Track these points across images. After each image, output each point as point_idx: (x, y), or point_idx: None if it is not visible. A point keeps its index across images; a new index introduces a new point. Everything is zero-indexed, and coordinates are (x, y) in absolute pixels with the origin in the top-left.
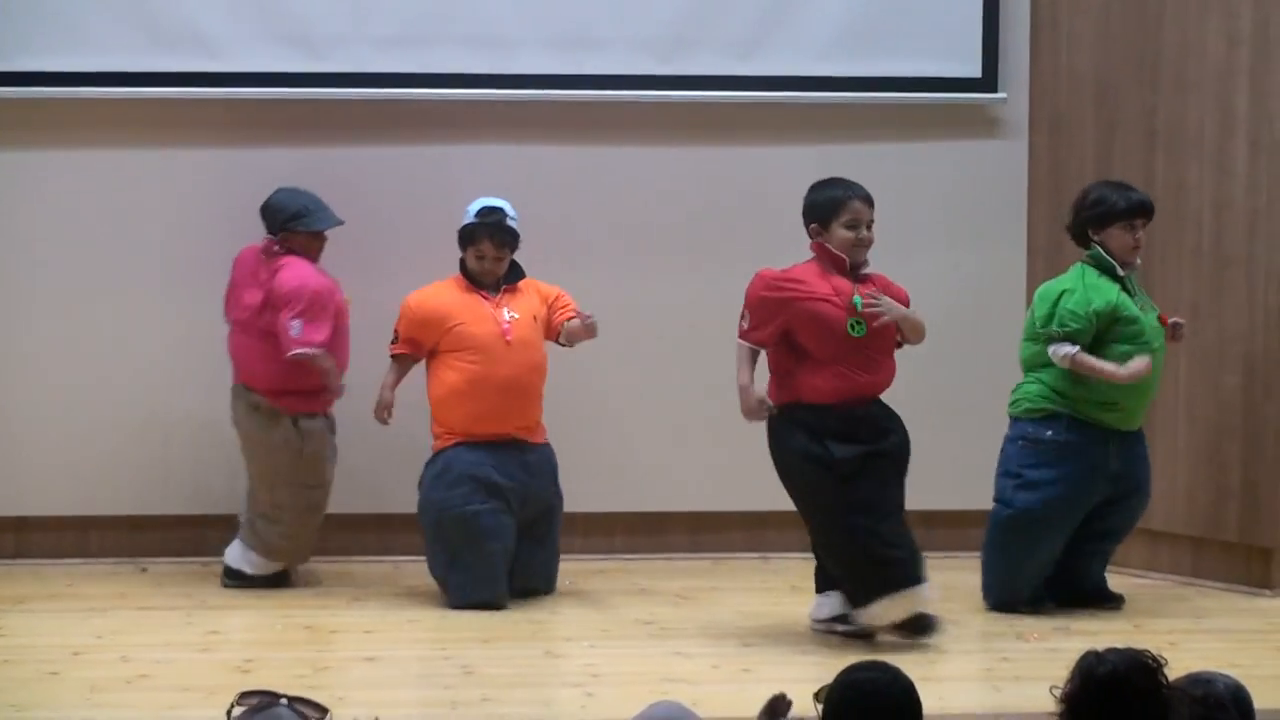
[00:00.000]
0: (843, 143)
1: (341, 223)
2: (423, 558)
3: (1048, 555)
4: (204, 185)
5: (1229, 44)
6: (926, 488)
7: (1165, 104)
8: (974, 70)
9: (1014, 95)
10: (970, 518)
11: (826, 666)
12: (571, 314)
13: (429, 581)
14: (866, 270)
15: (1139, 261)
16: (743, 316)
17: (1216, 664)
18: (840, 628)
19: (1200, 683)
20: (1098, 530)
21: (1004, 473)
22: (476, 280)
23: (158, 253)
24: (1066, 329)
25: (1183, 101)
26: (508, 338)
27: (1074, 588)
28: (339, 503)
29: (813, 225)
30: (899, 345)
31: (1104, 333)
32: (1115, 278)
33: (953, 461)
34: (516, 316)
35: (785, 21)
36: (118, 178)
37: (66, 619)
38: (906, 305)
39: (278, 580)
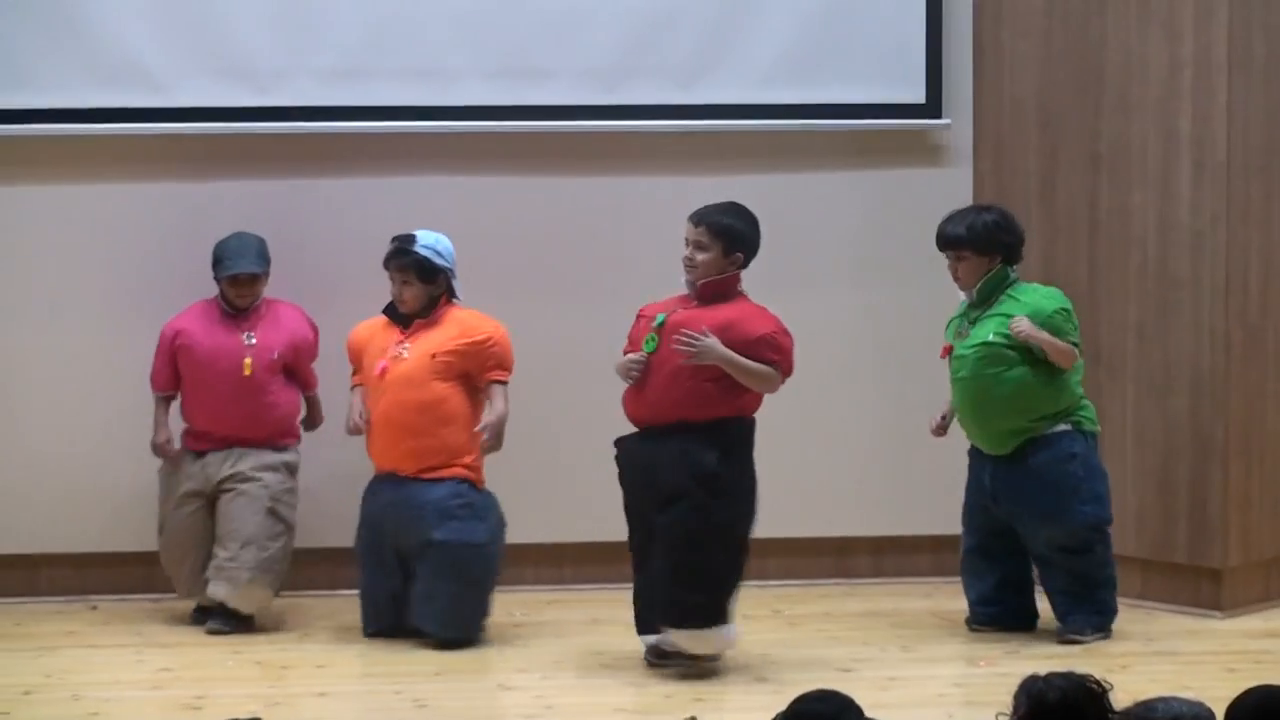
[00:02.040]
0: (787, 170)
1: (249, 272)
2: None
3: (973, 565)
4: (147, 220)
5: (1171, 66)
6: (878, 514)
7: (1108, 127)
8: (918, 96)
9: (957, 120)
10: (919, 543)
11: (780, 695)
12: (494, 373)
13: None
14: (731, 301)
15: (976, 290)
16: None
17: (1167, 686)
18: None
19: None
20: (1033, 554)
21: None
22: (394, 312)
23: (99, 289)
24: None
25: (1126, 124)
26: (384, 375)
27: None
28: (313, 538)
29: None
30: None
31: None
32: (965, 304)
33: (902, 489)
34: (404, 355)
35: (728, 49)
36: (58, 214)
37: (16, 658)
38: (755, 346)
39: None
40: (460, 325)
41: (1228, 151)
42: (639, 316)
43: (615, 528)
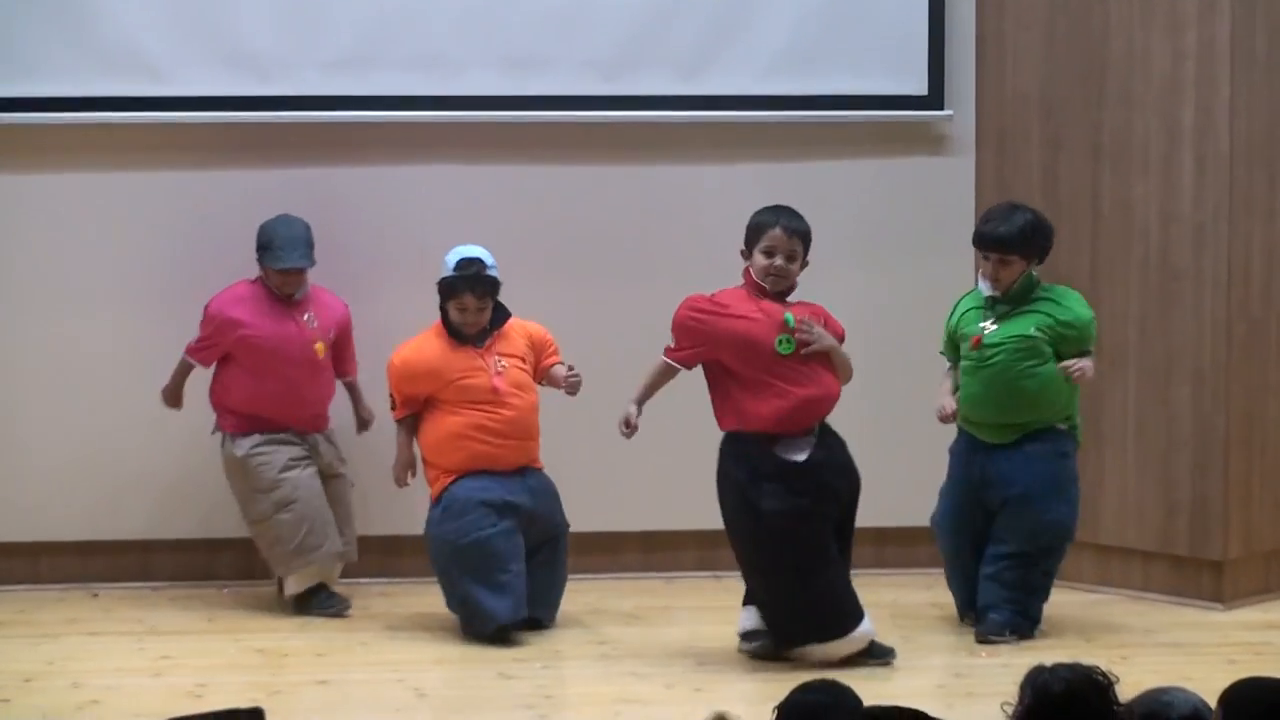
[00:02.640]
0: (789, 161)
1: (300, 267)
2: (374, 580)
3: (960, 563)
4: (151, 210)
5: (1174, 59)
6: (877, 505)
7: (1111, 119)
8: (920, 88)
9: (960, 112)
10: (920, 535)
11: (780, 684)
12: (554, 358)
13: (380, 604)
14: (799, 299)
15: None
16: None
17: (1168, 678)
18: (748, 646)
19: (1159, 704)
20: (988, 541)
21: None
22: (459, 333)
23: (102, 277)
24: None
25: (1128, 116)
26: (501, 388)
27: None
28: None
29: (743, 249)
30: None
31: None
32: (986, 296)
33: (903, 479)
34: (505, 366)
35: (731, 40)
36: (62, 203)
37: (17, 645)
38: (842, 339)
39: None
40: (521, 331)
41: (1230, 144)
42: (720, 314)
43: (616, 518)
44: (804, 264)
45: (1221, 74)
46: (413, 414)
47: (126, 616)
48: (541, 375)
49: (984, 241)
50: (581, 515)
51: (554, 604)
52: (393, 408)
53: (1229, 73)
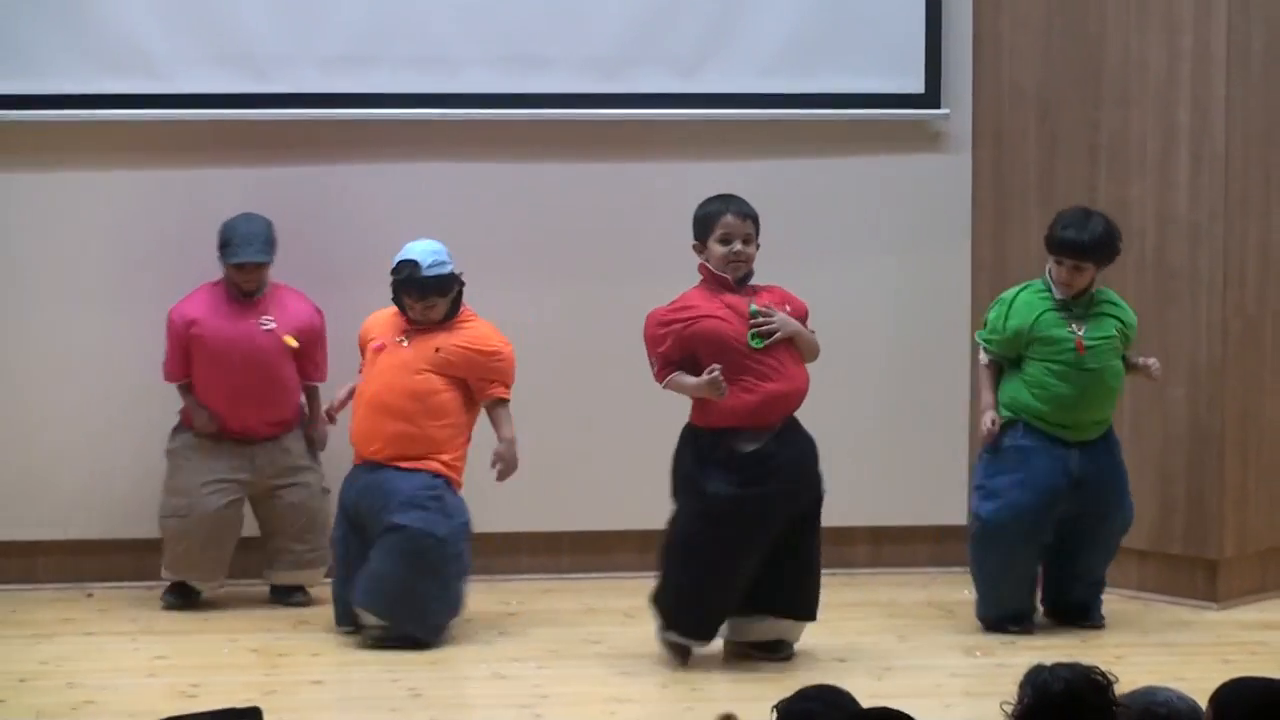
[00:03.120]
0: (787, 158)
1: (255, 262)
2: None
3: (1024, 567)
4: (149, 207)
5: (1170, 58)
6: (874, 504)
7: (1108, 118)
8: (917, 86)
9: (957, 110)
10: (918, 534)
11: (775, 684)
12: (497, 389)
13: None
14: (757, 283)
15: (1091, 289)
16: (650, 362)
17: (1163, 677)
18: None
19: (1156, 704)
20: (1069, 548)
21: (974, 487)
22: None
23: (99, 276)
24: (984, 340)
25: (1125, 116)
26: (378, 355)
27: (1061, 607)
28: None
29: (695, 244)
30: None
31: (1025, 349)
32: (1053, 299)
33: (899, 478)
34: (404, 344)
35: (728, 39)
36: (61, 200)
37: (12, 645)
38: (805, 318)
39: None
40: (472, 333)
41: (1226, 144)
42: (694, 318)
43: (611, 517)
44: (757, 245)
45: (1217, 75)
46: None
47: (121, 616)
48: (482, 401)
49: (1066, 248)
50: (576, 515)
51: (385, 600)
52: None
53: (1225, 73)
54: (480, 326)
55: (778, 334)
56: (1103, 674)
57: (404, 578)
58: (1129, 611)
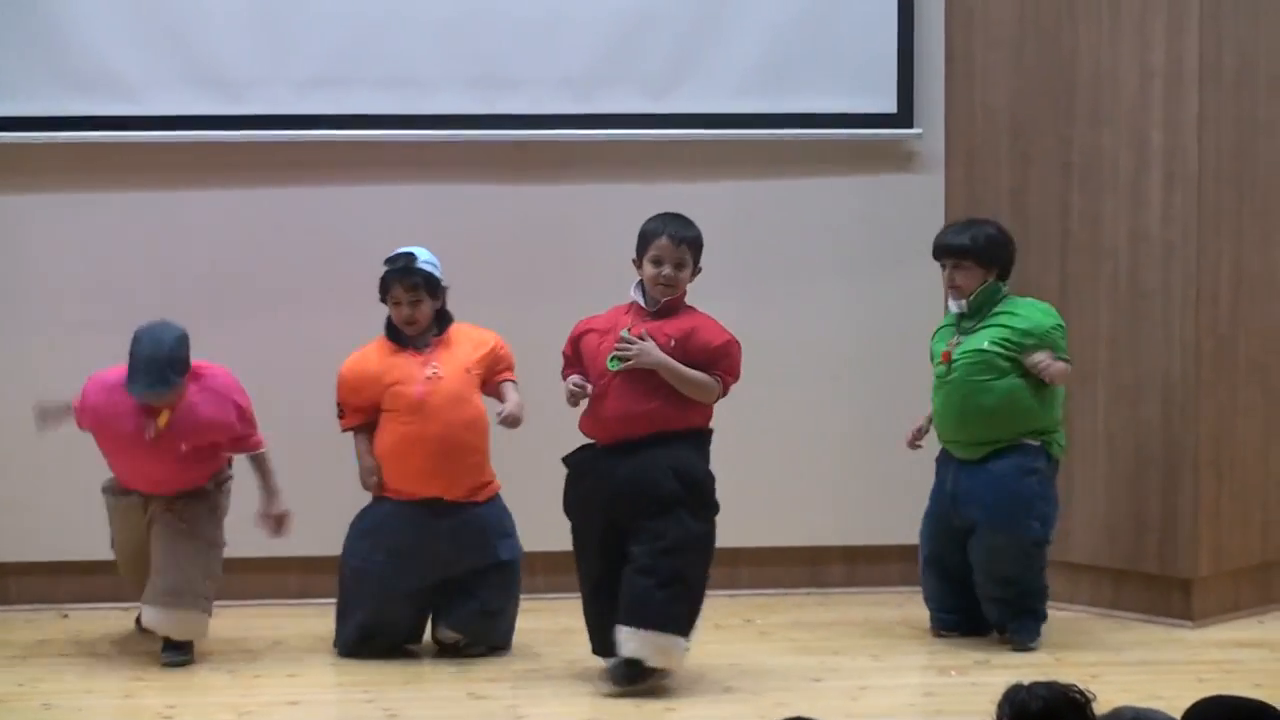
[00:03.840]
0: (759, 179)
1: (146, 401)
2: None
3: (931, 570)
4: (122, 229)
5: (1142, 76)
6: (847, 522)
7: (1080, 137)
8: (889, 105)
9: (929, 130)
10: (891, 553)
11: (751, 705)
12: (506, 374)
13: None
14: (694, 307)
15: (969, 300)
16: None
17: (1138, 696)
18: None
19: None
20: (971, 560)
21: None
22: (400, 336)
23: (72, 298)
24: None
25: (1097, 134)
26: (425, 400)
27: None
28: (261, 545)
29: (634, 258)
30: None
31: None
32: (955, 314)
33: (872, 497)
34: (439, 373)
35: (701, 59)
36: (35, 223)
37: None
38: (712, 355)
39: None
40: (470, 338)
41: (1199, 162)
42: (586, 331)
43: None
44: (695, 271)
45: (1190, 92)
46: (361, 425)
47: (98, 638)
48: (495, 390)
49: (939, 250)
50: (552, 535)
51: (480, 629)
52: (340, 416)
53: (1197, 92)
54: (468, 329)
55: (631, 362)
56: (1080, 692)
57: (509, 610)
58: (1103, 630)
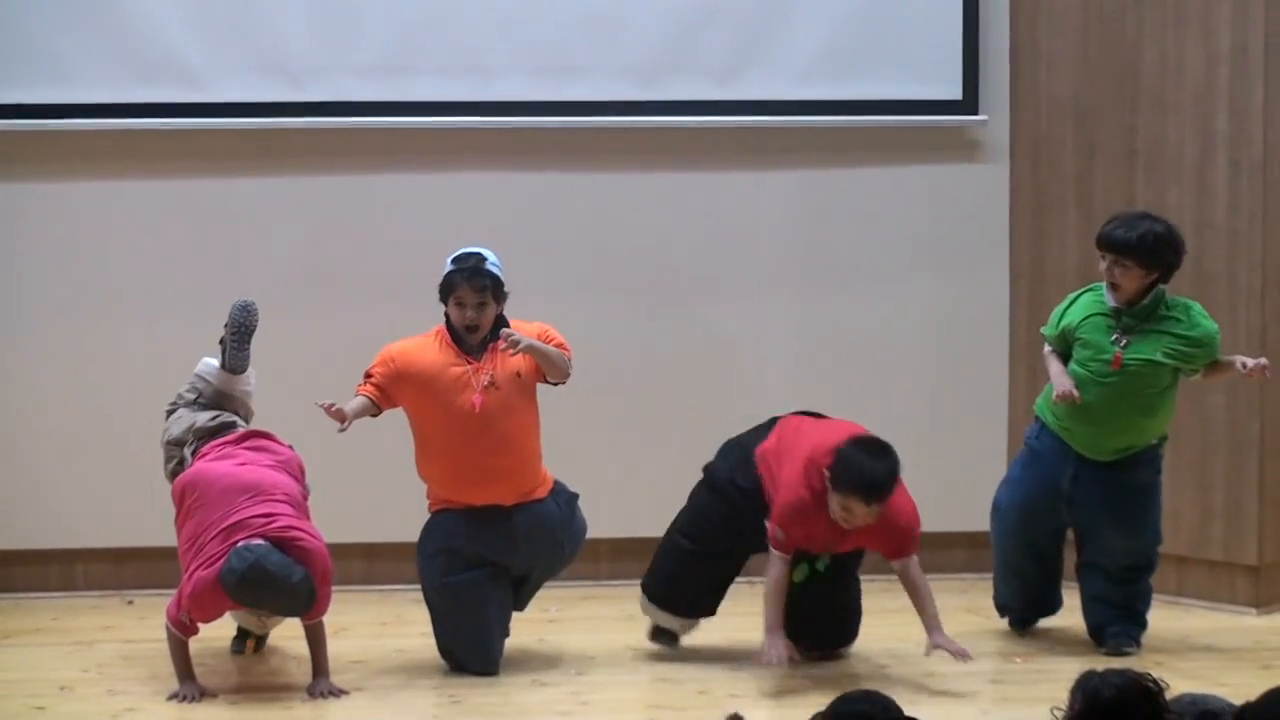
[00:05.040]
0: (824, 167)
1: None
2: (408, 586)
3: (1017, 561)
4: (186, 215)
5: (1208, 64)
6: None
7: (1145, 125)
8: (954, 93)
9: (994, 118)
10: (955, 540)
11: (814, 691)
12: (560, 349)
13: (415, 611)
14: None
15: (1140, 297)
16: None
17: (1203, 683)
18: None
19: (1210, 711)
20: (1084, 560)
21: None
22: (459, 337)
23: (142, 283)
24: (1044, 332)
25: (1163, 122)
26: (483, 411)
27: (1086, 622)
28: (326, 532)
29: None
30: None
31: (1069, 347)
32: (1111, 307)
33: (938, 485)
34: (494, 383)
35: (765, 46)
36: (100, 209)
37: (53, 653)
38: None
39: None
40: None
41: (1264, 149)
42: None
43: (649, 524)
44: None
45: (1255, 79)
46: (372, 401)
47: (162, 623)
48: (542, 372)
49: (1101, 240)
50: (615, 521)
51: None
52: (363, 380)
53: (1263, 78)
54: (521, 326)
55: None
56: (1154, 680)
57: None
58: (1169, 617)
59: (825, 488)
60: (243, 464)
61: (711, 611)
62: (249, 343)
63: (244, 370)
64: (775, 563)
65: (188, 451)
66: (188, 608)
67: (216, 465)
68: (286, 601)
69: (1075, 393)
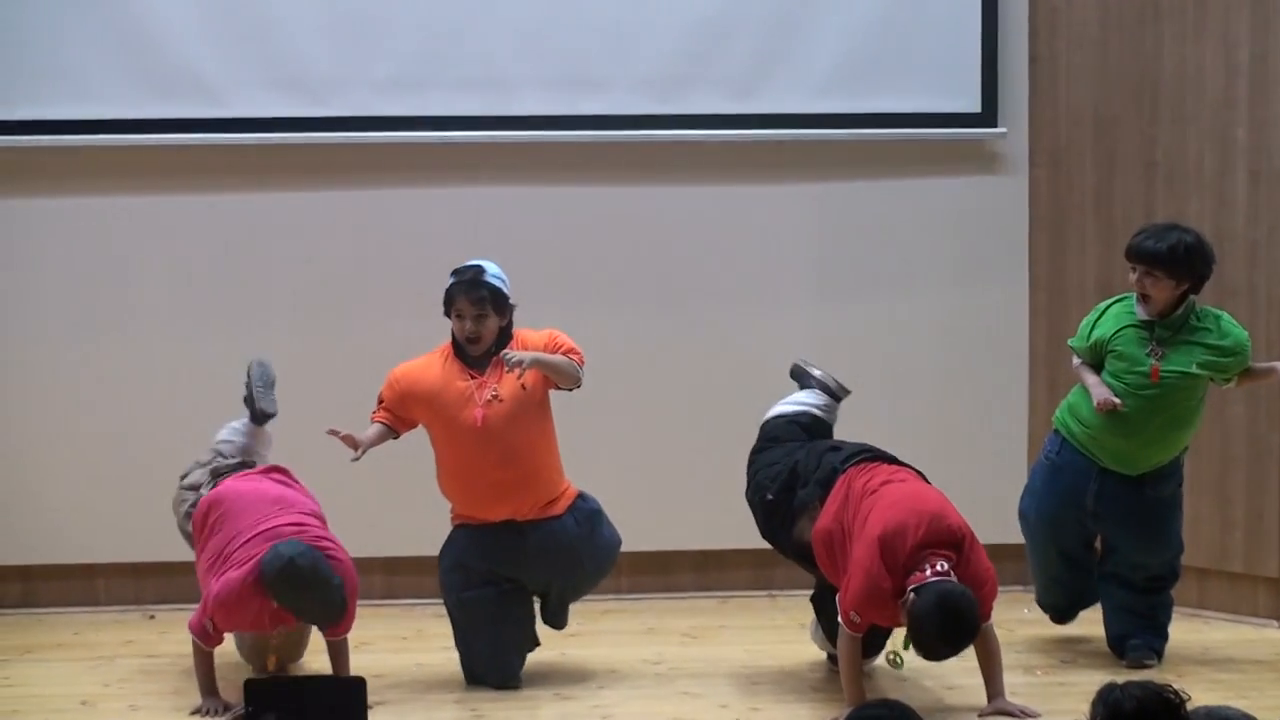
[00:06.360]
0: (843, 179)
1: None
2: (428, 600)
3: (1048, 567)
4: (205, 230)
5: (1227, 75)
6: None
7: (1164, 136)
8: (973, 105)
9: (1014, 129)
10: (994, 552)
11: (836, 704)
12: (568, 354)
13: (435, 625)
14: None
15: (1172, 308)
16: None
17: (1225, 696)
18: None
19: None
20: (1107, 571)
21: None
22: (464, 351)
23: (159, 299)
24: (1073, 345)
25: (1182, 133)
26: (485, 425)
27: (1107, 633)
28: (346, 546)
29: None
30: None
31: (1104, 360)
32: (1142, 320)
33: (957, 497)
34: (498, 397)
35: (783, 59)
36: (118, 224)
37: (74, 668)
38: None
39: None
40: (522, 344)
41: None
42: None
43: (670, 538)
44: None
45: (1274, 90)
46: (389, 427)
47: (183, 638)
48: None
49: (1131, 251)
50: (635, 535)
51: (552, 617)
52: (376, 408)
53: None
54: (529, 335)
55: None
56: (1175, 692)
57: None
58: (1190, 630)
59: (904, 573)
60: (267, 484)
61: None
62: (273, 390)
63: (275, 412)
64: (848, 641)
65: (205, 491)
66: (212, 612)
67: (242, 483)
68: (323, 603)
69: (1117, 400)
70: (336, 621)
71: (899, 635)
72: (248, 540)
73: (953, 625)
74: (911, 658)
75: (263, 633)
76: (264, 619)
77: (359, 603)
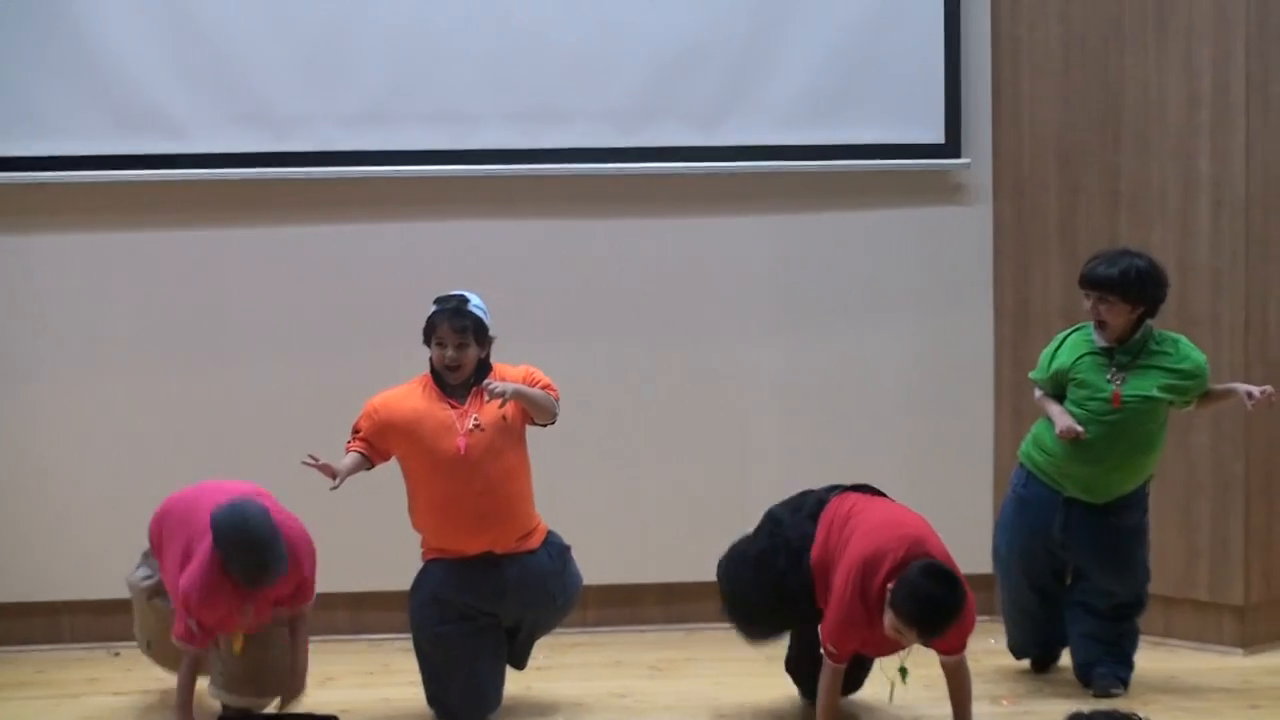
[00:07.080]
0: (807, 211)
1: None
2: (395, 635)
3: (1021, 601)
4: (169, 267)
5: (1190, 105)
6: None
7: (1128, 165)
8: (937, 136)
9: (977, 160)
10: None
11: None
12: (544, 389)
13: (402, 660)
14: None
15: (1129, 333)
16: None
17: None
18: None
19: None
20: (1074, 599)
21: None
22: (442, 381)
23: (121, 336)
24: (1034, 377)
25: (1145, 162)
26: (468, 454)
27: (1074, 660)
28: None
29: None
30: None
31: (1062, 389)
32: (1100, 347)
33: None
34: (479, 426)
35: (747, 91)
36: (80, 262)
37: (39, 706)
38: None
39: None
40: (502, 377)
41: (1246, 189)
42: None
43: (636, 570)
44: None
45: (1237, 119)
46: (365, 457)
47: (148, 676)
48: (530, 416)
49: (1084, 279)
50: (601, 568)
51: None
52: (351, 437)
53: (1244, 118)
54: (506, 369)
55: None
56: (1139, 719)
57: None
58: (1156, 658)
59: (882, 597)
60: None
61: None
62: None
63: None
64: (829, 673)
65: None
66: (188, 609)
67: (188, 490)
68: (267, 551)
69: (1079, 428)
70: (285, 573)
71: (904, 653)
72: (205, 531)
73: (936, 579)
74: (911, 678)
75: (233, 629)
76: (235, 601)
77: (323, 638)
